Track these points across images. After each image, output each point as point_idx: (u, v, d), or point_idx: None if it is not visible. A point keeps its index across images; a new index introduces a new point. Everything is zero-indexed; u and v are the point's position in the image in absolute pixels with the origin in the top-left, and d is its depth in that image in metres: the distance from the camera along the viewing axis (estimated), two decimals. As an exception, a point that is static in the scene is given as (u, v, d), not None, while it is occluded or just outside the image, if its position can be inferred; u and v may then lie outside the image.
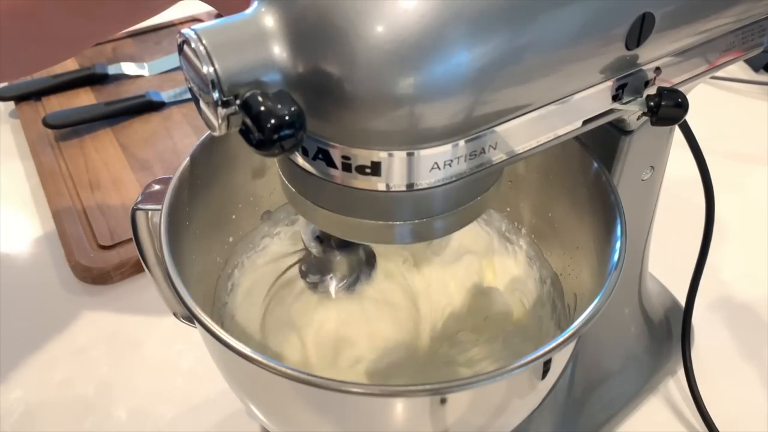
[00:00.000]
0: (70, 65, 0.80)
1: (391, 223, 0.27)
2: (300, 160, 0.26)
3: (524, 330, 0.43)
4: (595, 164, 0.36)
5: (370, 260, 0.38)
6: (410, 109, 0.23)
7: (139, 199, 0.36)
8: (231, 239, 0.43)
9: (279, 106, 0.22)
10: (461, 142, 0.24)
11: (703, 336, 0.53)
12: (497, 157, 0.26)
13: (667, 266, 0.52)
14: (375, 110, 0.23)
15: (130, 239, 0.54)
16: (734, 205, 0.64)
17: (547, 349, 0.27)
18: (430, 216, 0.27)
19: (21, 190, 0.67)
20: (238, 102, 0.22)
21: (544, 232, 0.44)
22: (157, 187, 0.36)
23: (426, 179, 0.25)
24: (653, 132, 0.37)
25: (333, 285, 0.37)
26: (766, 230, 0.62)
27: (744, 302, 0.56)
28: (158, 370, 0.51)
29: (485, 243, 0.47)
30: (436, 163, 0.25)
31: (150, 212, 0.36)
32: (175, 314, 0.41)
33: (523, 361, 0.27)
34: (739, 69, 0.83)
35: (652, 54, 0.29)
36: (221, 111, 0.22)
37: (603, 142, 0.37)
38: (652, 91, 0.29)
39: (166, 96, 0.75)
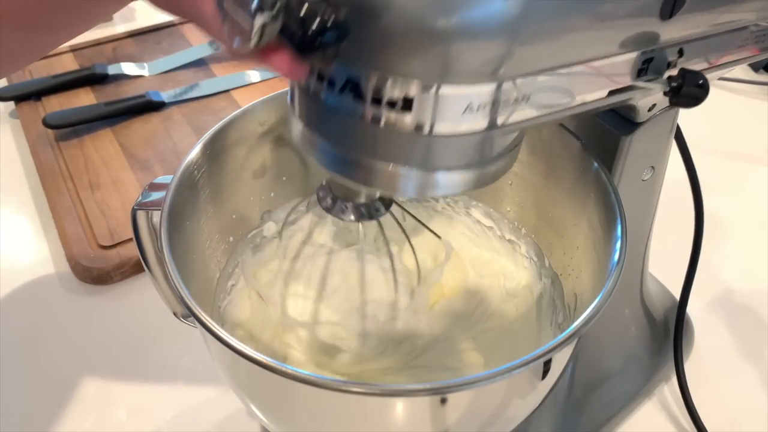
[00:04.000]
0: (70, 65, 0.80)
1: (400, 167, 0.26)
2: (321, 95, 0.26)
3: (524, 330, 0.43)
4: (596, 164, 0.36)
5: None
6: (447, 44, 0.23)
7: (139, 199, 0.36)
8: (231, 239, 0.43)
9: (325, 9, 0.23)
10: (491, 86, 0.24)
11: (703, 336, 0.53)
12: (522, 114, 0.26)
13: (667, 266, 0.52)
14: (413, 37, 0.23)
15: (130, 239, 0.54)
16: (734, 205, 0.64)
17: (547, 349, 0.27)
18: (443, 168, 0.27)
19: (21, 190, 0.67)
20: (278, 5, 0.23)
21: (544, 232, 0.44)
22: (157, 186, 0.36)
23: (452, 123, 0.25)
24: (654, 132, 0.37)
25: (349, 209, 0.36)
26: (766, 230, 0.62)
27: (744, 302, 0.56)
28: (158, 370, 0.51)
29: (486, 243, 0.48)
30: (470, 105, 0.24)
31: (150, 212, 0.36)
32: (175, 314, 0.42)
33: (523, 361, 0.27)
34: (739, 69, 0.83)
35: (680, 33, 0.29)
36: (258, 20, 0.22)
37: (603, 142, 0.37)
38: (673, 72, 0.30)
39: (166, 96, 0.75)
